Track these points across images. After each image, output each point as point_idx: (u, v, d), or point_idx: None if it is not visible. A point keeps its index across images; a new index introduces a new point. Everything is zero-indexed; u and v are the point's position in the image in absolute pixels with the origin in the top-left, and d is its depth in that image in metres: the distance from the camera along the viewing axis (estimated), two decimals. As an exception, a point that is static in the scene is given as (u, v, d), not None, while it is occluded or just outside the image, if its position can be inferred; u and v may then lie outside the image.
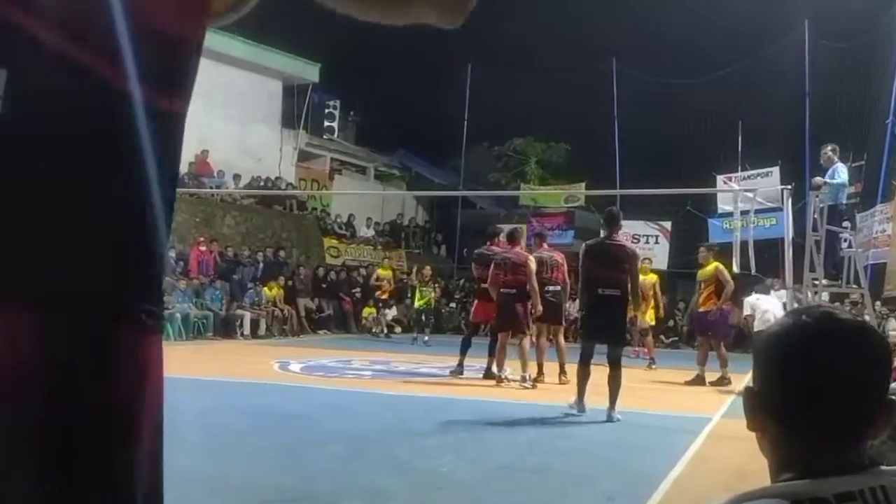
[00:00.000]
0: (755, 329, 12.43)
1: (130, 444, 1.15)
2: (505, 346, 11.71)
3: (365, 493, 5.65)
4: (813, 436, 1.25)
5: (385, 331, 22.32)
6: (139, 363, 1.17)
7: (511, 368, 12.11)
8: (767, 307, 12.16)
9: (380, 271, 22.82)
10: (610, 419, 8.84)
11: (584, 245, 9.96)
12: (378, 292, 22.24)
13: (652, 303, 16.49)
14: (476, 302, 13.10)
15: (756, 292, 13.24)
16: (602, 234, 9.93)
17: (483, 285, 12.24)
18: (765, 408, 1.29)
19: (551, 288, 12.04)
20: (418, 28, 1.36)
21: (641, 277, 16.23)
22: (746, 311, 13.10)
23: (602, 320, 9.10)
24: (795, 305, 10.22)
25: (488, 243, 12.80)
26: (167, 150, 1.19)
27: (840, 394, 1.24)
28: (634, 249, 9.93)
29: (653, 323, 16.88)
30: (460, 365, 12.57)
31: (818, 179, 12.81)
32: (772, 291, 13.06)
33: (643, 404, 10.36)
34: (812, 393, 1.24)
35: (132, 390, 1.16)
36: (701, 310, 13.13)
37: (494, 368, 11.87)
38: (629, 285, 9.22)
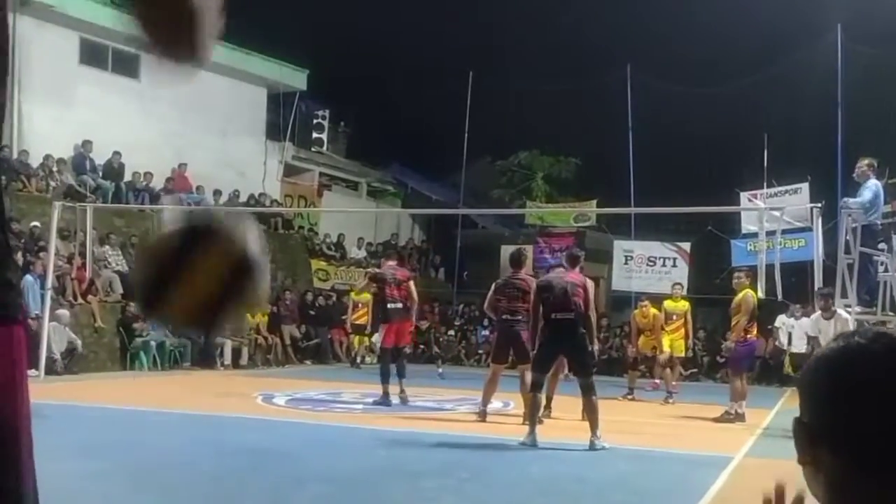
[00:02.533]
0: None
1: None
2: (497, 378, 11.75)
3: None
4: (885, 473, 1.20)
5: (358, 360, 22.24)
6: None
7: (516, 403, 12.10)
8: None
9: (353, 295, 22.54)
10: (593, 447, 9.38)
11: (534, 282, 10.84)
12: (353, 317, 22.09)
13: (682, 332, 16.51)
14: (387, 325, 13.33)
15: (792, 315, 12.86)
16: (561, 269, 10.54)
17: (391, 305, 13.01)
18: (822, 441, 1.25)
19: None
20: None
21: (671, 304, 16.45)
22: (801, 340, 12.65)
23: (557, 350, 10.11)
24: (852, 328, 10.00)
25: (395, 262, 14.14)
26: None
27: None
28: (584, 281, 10.30)
29: (681, 353, 16.91)
30: (385, 395, 12.98)
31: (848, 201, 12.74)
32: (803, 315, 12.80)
33: (659, 442, 10.34)
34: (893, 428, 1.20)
35: None
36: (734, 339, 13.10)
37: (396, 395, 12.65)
38: (582, 315, 9.85)
